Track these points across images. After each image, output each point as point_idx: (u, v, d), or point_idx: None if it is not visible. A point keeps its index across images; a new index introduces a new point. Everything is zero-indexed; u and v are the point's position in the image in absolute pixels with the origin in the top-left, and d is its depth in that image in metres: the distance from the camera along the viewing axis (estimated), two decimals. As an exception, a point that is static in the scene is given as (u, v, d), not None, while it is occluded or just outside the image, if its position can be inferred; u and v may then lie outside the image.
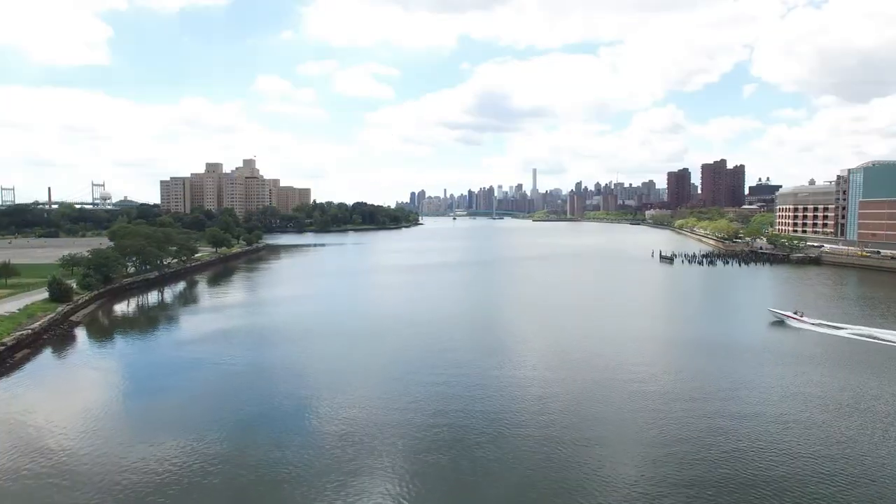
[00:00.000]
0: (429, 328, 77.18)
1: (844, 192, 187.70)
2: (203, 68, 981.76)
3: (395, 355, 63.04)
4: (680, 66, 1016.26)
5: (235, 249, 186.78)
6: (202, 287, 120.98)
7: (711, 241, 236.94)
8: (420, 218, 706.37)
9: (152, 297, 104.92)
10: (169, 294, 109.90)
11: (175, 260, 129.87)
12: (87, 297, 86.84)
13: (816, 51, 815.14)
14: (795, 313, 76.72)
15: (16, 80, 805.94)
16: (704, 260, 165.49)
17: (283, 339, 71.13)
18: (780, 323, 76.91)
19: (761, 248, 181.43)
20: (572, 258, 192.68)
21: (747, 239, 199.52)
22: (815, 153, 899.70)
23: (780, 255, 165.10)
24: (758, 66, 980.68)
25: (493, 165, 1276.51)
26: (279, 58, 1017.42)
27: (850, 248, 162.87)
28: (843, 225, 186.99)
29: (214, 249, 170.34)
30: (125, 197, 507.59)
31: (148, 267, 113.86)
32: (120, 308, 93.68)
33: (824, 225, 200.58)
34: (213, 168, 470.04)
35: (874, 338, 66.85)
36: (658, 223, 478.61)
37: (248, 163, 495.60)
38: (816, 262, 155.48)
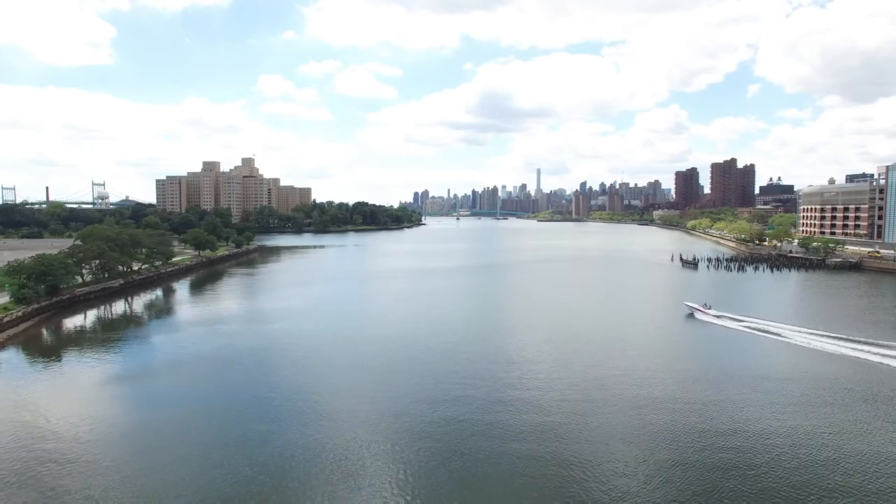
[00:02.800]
0: (429, 356, 63.54)
1: (881, 191, 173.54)
2: (205, 68, 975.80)
3: (392, 389, 49.94)
4: (683, 66, 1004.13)
5: (222, 252, 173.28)
6: (173, 298, 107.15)
7: (731, 244, 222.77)
8: (423, 218, 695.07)
9: (110, 311, 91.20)
10: (130, 307, 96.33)
11: (145, 265, 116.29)
12: (18, 314, 73.20)
13: (821, 51, 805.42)
14: (704, 306, 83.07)
15: (19, 80, 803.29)
16: (732, 265, 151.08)
17: (258, 370, 57.83)
18: (691, 315, 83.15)
19: (790, 252, 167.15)
20: (585, 262, 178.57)
21: (774, 241, 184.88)
22: (819, 154, 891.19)
23: (815, 260, 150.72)
24: (762, 66, 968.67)
25: (496, 166, 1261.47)
26: (281, 58, 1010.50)
27: None
28: (879, 226, 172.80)
29: (197, 252, 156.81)
30: (127, 196, 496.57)
31: (107, 275, 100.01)
32: (66, 325, 79.98)
33: (856, 226, 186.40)
34: (209, 167, 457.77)
35: (763, 331, 71.92)
36: (667, 224, 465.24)
37: (247, 161, 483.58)
38: (857, 267, 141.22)
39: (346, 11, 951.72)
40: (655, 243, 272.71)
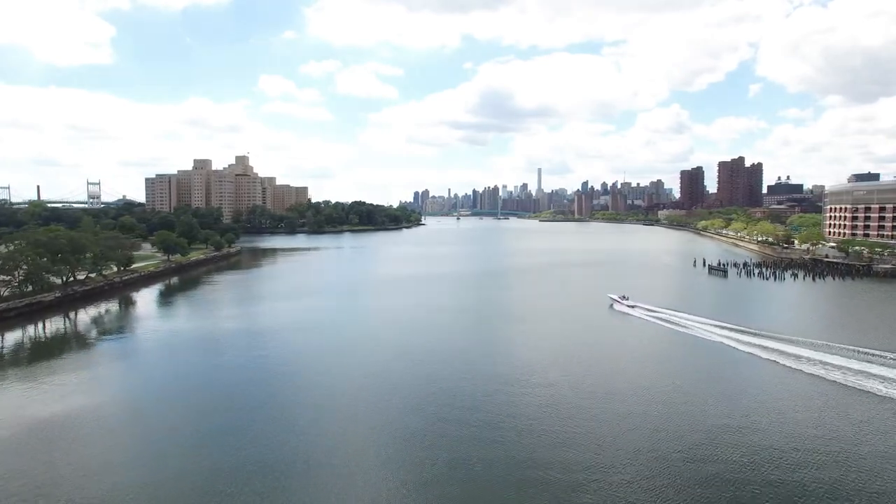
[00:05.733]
0: (426, 414, 47.27)
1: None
2: (206, 68, 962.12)
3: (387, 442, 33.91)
4: (684, 66, 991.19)
5: (196, 256, 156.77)
6: (119, 314, 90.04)
7: (753, 247, 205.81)
8: (423, 218, 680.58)
9: (34, 333, 74.90)
10: (71, 324, 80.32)
11: (93, 274, 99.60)
12: None
13: (822, 50, 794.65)
14: (622, 298, 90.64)
15: (21, 80, 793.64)
16: (766, 272, 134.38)
17: (220, 417, 42.78)
18: (611, 306, 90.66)
19: (826, 257, 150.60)
20: (598, 267, 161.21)
21: (805, 245, 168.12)
22: (821, 153, 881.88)
23: (859, 266, 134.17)
24: (763, 66, 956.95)
25: (497, 165, 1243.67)
26: (282, 58, 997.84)
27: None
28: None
29: (166, 257, 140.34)
30: (124, 196, 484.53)
31: (35, 287, 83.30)
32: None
33: (894, 227, 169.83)
34: (201, 165, 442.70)
35: (664, 320, 79.11)
36: (674, 224, 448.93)
37: (241, 160, 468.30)
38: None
39: (346, 11, 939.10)
40: (667, 245, 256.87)
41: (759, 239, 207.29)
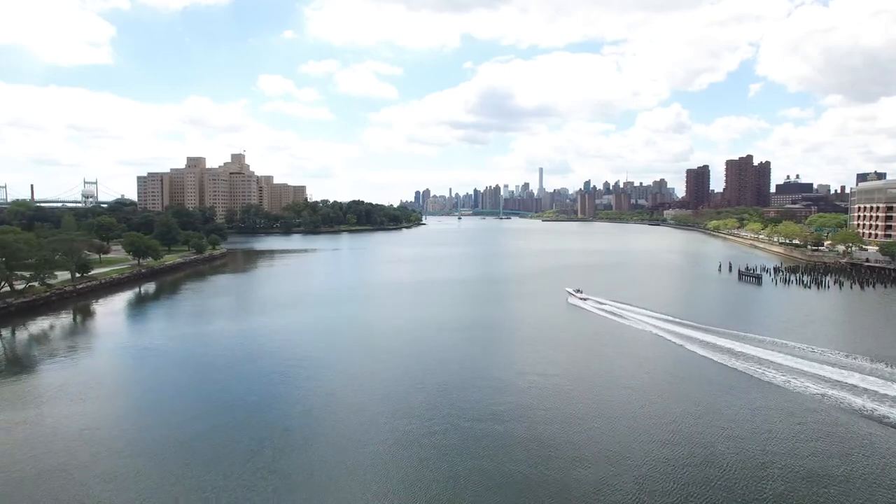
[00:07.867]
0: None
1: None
2: (206, 68, 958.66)
3: None
4: (685, 66, 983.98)
5: (174, 259, 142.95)
6: (67, 331, 76.66)
7: (777, 249, 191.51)
8: (424, 217, 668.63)
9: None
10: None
11: (35, 283, 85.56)
12: None
13: (823, 49, 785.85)
14: (577, 291, 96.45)
15: (21, 79, 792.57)
16: (807, 279, 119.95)
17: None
18: (567, 299, 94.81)
19: (867, 261, 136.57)
20: (613, 271, 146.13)
21: (840, 248, 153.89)
22: (822, 153, 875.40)
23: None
24: (764, 65, 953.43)
25: (498, 165, 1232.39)
26: (282, 57, 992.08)
27: None
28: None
29: (136, 261, 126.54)
30: (122, 195, 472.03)
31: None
32: None
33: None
34: (194, 163, 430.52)
35: (608, 311, 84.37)
36: (681, 224, 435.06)
37: (237, 157, 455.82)
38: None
39: (346, 10, 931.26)
40: (680, 247, 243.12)
41: (783, 241, 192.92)
